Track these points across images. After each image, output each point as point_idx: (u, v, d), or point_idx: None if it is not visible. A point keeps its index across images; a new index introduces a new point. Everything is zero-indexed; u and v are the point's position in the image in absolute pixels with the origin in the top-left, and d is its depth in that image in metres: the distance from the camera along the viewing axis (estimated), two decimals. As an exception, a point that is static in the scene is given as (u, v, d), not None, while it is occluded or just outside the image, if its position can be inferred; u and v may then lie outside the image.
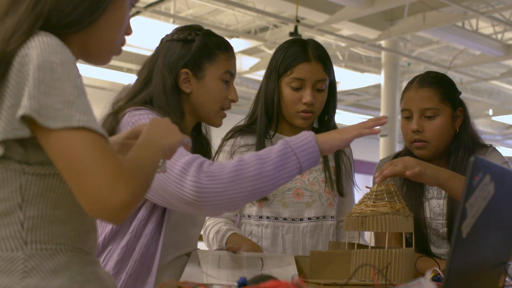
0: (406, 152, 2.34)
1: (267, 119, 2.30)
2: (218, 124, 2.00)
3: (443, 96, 2.24)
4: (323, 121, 2.39)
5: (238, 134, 2.33)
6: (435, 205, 2.26)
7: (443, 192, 2.23)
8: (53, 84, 1.13)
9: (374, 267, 1.56)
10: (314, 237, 2.29)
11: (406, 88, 2.31)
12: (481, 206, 1.11)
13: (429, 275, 0.98)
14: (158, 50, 1.97)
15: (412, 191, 2.27)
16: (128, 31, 1.40)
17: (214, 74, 1.92)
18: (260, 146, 2.26)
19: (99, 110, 1.93)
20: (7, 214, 1.18)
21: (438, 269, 1.57)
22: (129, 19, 1.40)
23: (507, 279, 1.37)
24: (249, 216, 2.29)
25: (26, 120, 1.13)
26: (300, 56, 2.25)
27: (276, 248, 2.26)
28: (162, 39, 1.99)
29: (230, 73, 1.95)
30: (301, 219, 2.28)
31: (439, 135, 2.23)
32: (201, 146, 2.07)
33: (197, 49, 1.92)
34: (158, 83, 1.90)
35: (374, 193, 1.78)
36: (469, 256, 1.14)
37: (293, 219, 2.28)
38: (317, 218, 2.30)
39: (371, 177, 2.32)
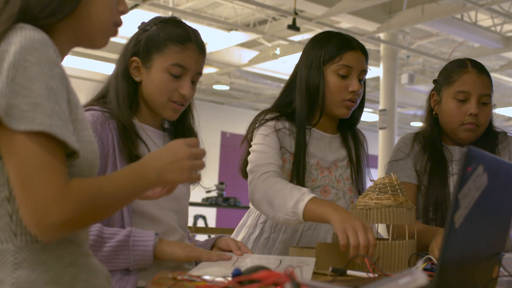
0: (431, 129, 2.42)
1: (308, 111, 2.24)
2: (169, 117, 1.97)
3: (491, 88, 2.37)
4: (348, 119, 2.34)
5: (282, 117, 2.24)
6: None
7: None
8: (24, 84, 1.12)
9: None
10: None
11: (463, 71, 2.36)
12: (474, 197, 1.11)
13: (420, 264, 0.98)
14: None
15: (436, 167, 2.34)
16: (122, 8, 1.36)
17: (161, 65, 1.90)
18: (300, 135, 2.21)
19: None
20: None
21: (433, 258, 1.58)
22: None
23: (501, 269, 1.37)
24: None
25: None
26: (348, 44, 2.25)
27: (292, 243, 2.24)
28: None
29: (181, 66, 1.90)
30: None
31: (488, 121, 2.37)
32: (183, 136, 2.02)
33: (148, 38, 1.92)
34: (115, 69, 1.94)
35: (378, 186, 1.80)
36: (462, 247, 1.14)
37: None
38: None
39: (371, 170, 2.34)
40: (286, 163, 2.22)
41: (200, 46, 1.94)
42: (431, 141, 2.40)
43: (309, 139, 2.26)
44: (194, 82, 1.96)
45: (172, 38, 1.90)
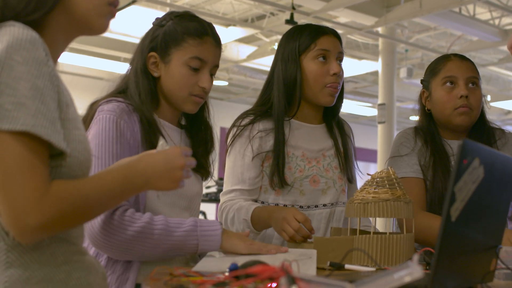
0: (428, 126, 2.45)
1: (285, 102, 2.28)
2: (189, 110, 1.97)
3: (478, 73, 2.44)
4: (330, 108, 2.39)
5: (256, 118, 2.29)
6: None
7: None
8: (9, 83, 1.10)
9: (364, 252, 1.56)
10: (328, 224, 2.29)
11: (445, 60, 2.45)
12: (471, 190, 1.11)
13: (416, 258, 0.98)
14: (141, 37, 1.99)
15: (439, 161, 2.36)
16: None
17: (180, 59, 1.90)
18: (279, 130, 2.25)
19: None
20: None
21: (431, 249, 1.58)
22: None
23: (498, 262, 1.37)
24: (263, 202, 2.27)
25: None
26: (321, 30, 2.31)
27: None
28: None
29: (199, 59, 1.90)
30: (316, 206, 2.29)
31: (480, 104, 2.41)
32: (200, 133, 2.06)
33: (165, 33, 1.92)
34: (133, 67, 1.93)
35: (375, 180, 1.80)
36: (459, 240, 1.14)
37: (308, 206, 2.27)
38: (331, 204, 2.30)
39: (370, 164, 2.36)
40: (270, 161, 2.26)
41: (216, 39, 1.96)
42: (431, 136, 2.42)
43: (290, 131, 2.30)
44: (212, 74, 1.97)
45: (189, 32, 1.91)
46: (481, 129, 2.45)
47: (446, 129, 2.45)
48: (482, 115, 2.47)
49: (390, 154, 2.49)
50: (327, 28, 2.34)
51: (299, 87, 2.26)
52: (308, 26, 2.35)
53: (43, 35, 1.23)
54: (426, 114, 2.48)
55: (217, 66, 1.98)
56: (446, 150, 2.40)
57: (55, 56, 1.30)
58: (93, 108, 1.85)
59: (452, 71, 2.40)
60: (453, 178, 1.05)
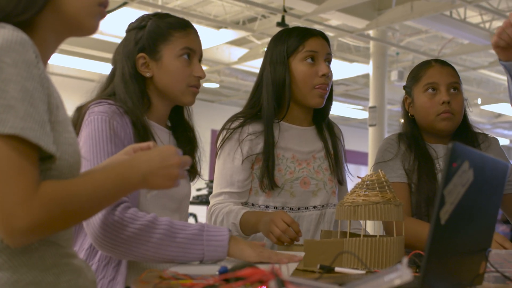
0: (411, 131, 2.48)
1: (275, 104, 2.29)
2: (189, 102, 1.99)
3: (459, 78, 2.47)
4: (320, 109, 2.40)
5: (246, 121, 2.30)
6: None
7: None
8: None
9: (353, 255, 1.57)
10: (318, 226, 2.30)
11: (426, 66, 2.48)
12: (460, 193, 1.11)
13: (406, 261, 0.98)
14: (120, 42, 1.99)
15: (424, 164, 2.39)
16: None
17: (171, 53, 1.92)
18: (268, 134, 2.26)
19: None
20: None
21: (421, 252, 1.58)
22: None
23: (488, 265, 1.37)
24: (253, 204, 2.28)
25: None
26: (308, 32, 2.33)
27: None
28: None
29: (189, 49, 1.94)
30: (306, 208, 2.29)
31: (462, 109, 2.44)
32: (184, 133, 2.07)
33: (150, 32, 1.94)
34: (118, 73, 1.92)
35: (366, 183, 1.80)
36: (448, 243, 1.14)
37: (298, 208, 2.28)
38: (322, 206, 2.31)
39: (361, 167, 2.37)
40: (260, 163, 2.27)
41: (196, 30, 2.00)
42: (414, 140, 2.46)
43: (280, 133, 2.31)
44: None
45: (173, 26, 1.94)
46: (464, 133, 2.49)
47: (430, 134, 2.48)
48: (465, 119, 2.50)
49: (375, 160, 2.51)
50: (315, 30, 2.36)
51: (288, 89, 2.27)
52: (296, 29, 2.37)
53: (33, 36, 1.22)
54: (409, 120, 2.51)
55: (201, 55, 2.01)
56: (430, 154, 2.43)
57: (45, 57, 1.29)
58: (81, 111, 1.84)
59: (433, 78, 2.43)
60: (443, 181, 1.05)
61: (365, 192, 1.77)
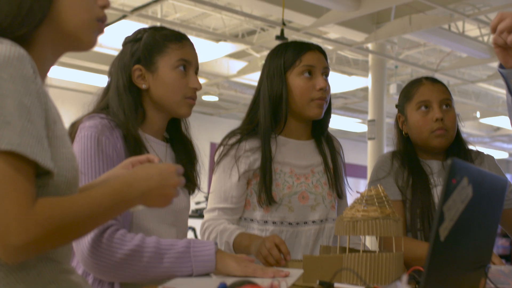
0: (405, 149, 2.50)
1: (272, 119, 2.29)
2: (185, 114, 1.99)
3: (450, 94, 2.50)
4: (319, 122, 2.39)
5: (243, 137, 2.30)
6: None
7: None
8: None
9: (352, 271, 1.56)
10: (317, 241, 2.28)
11: (417, 85, 2.50)
12: (459, 209, 1.10)
13: (405, 278, 0.98)
14: (116, 56, 1.99)
15: (418, 180, 2.41)
16: (101, 2, 1.32)
17: (167, 64, 1.93)
18: (265, 148, 2.25)
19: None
20: None
21: (421, 268, 1.57)
22: None
23: (487, 281, 1.36)
24: (251, 219, 2.27)
25: None
26: (305, 47, 2.33)
27: None
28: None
29: (185, 60, 1.94)
30: (305, 223, 2.28)
31: (455, 124, 2.46)
32: (183, 146, 2.06)
33: (145, 44, 1.94)
34: (113, 85, 1.93)
35: (365, 198, 1.79)
36: (448, 260, 1.14)
37: (297, 223, 2.26)
38: (321, 221, 2.29)
39: (360, 180, 2.38)
40: (258, 179, 2.26)
41: (192, 42, 2.01)
42: (408, 157, 2.48)
43: (277, 148, 2.30)
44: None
45: (169, 38, 1.95)
46: (457, 149, 2.50)
47: (424, 151, 2.50)
48: (458, 135, 2.52)
49: (369, 179, 2.53)
50: (311, 44, 2.36)
51: (285, 103, 2.27)
52: (292, 43, 2.37)
53: (31, 50, 1.21)
54: (403, 138, 2.53)
55: (198, 68, 2.01)
56: (424, 169, 2.44)
57: (43, 72, 1.29)
58: (75, 126, 1.85)
59: (425, 95, 2.45)
60: (442, 197, 1.05)
61: (364, 207, 1.76)
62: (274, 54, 2.35)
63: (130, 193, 1.24)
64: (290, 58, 2.30)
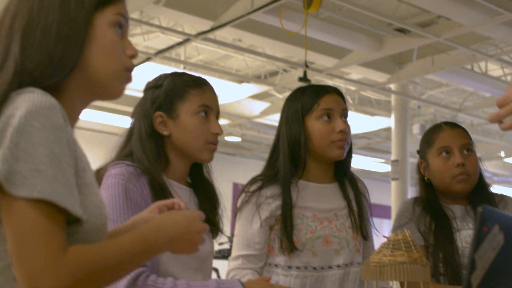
0: (427, 195, 2.49)
1: (291, 165, 2.28)
2: (207, 160, 1.99)
3: (471, 138, 2.49)
4: (341, 163, 2.38)
5: (264, 184, 2.29)
6: (466, 235, 2.39)
7: (470, 224, 2.42)
8: (27, 149, 1.09)
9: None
10: (342, 286, 2.25)
11: (437, 130, 2.51)
12: (490, 257, 1.09)
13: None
14: (138, 102, 2.01)
15: (441, 225, 2.40)
16: (129, 52, 1.33)
17: (188, 110, 1.93)
18: (285, 195, 2.24)
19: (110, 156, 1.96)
20: (3, 269, 1.14)
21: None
22: (127, 41, 1.34)
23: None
24: (276, 265, 2.25)
25: None
26: (322, 90, 2.31)
27: None
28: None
29: (206, 106, 1.95)
30: (330, 267, 2.25)
31: (477, 169, 2.45)
32: (205, 190, 2.06)
33: (166, 90, 1.95)
34: (135, 132, 1.94)
35: (392, 242, 1.78)
36: (480, 308, 1.12)
37: (322, 268, 2.24)
38: (346, 265, 2.26)
39: (384, 220, 2.37)
40: (280, 225, 2.25)
41: (212, 87, 2.01)
42: (430, 202, 2.47)
43: (298, 193, 2.28)
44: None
45: (190, 84, 1.96)
46: (480, 193, 2.48)
47: (447, 196, 2.49)
48: (481, 179, 2.51)
49: (392, 226, 2.53)
50: (329, 86, 2.35)
51: (304, 148, 2.26)
52: (309, 87, 2.36)
53: (60, 99, 1.23)
54: (425, 183, 2.53)
55: (219, 112, 2.02)
56: (447, 214, 2.43)
57: (73, 119, 1.31)
58: (100, 173, 1.86)
59: (445, 141, 2.46)
60: (473, 245, 1.04)
61: (391, 252, 1.75)
62: (292, 99, 2.35)
63: (158, 239, 1.24)
64: (308, 102, 2.29)
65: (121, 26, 1.32)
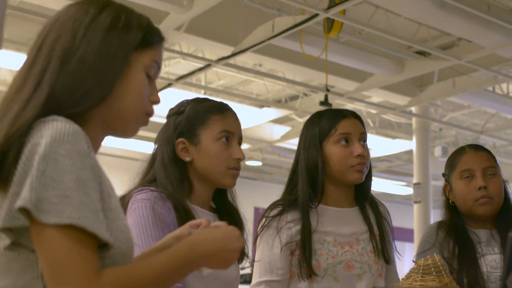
0: (452, 218, 2.49)
1: (310, 190, 2.27)
2: (229, 185, 1.99)
3: (495, 161, 2.49)
4: (360, 187, 2.37)
5: (284, 209, 2.28)
6: (491, 260, 2.37)
7: (495, 248, 2.41)
8: (54, 176, 1.10)
9: None
10: None
11: (460, 153, 2.52)
12: (522, 282, 1.07)
13: None
14: (160, 129, 2.02)
15: (464, 250, 2.38)
16: (154, 99, 1.36)
17: (210, 136, 1.94)
18: (304, 221, 2.23)
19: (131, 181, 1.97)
20: None
21: None
22: (154, 88, 1.36)
23: None
24: None
25: (25, 210, 1.10)
26: (339, 114, 2.31)
27: None
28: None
29: (228, 131, 1.95)
30: None
31: (501, 191, 2.44)
32: (230, 215, 2.06)
33: (188, 116, 1.96)
34: (158, 158, 1.95)
35: (422, 267, 1.77)
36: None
37: None
38: None
39: (405, 244, 2.35)
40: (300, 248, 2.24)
41: (235, 112, 2.02)
42: (454, 227, 2.46)
43: (318, 218, 2.26)
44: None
45: (211, 110, 1.96)
46: (506, 217, 2.46)
47: (471, 220, 2.48)
48: (507, 201, 2.49)
49: (416, 252, 2.53)
50: (346, 111, 2.35)
51: (321, 172, 2.25)
52: (327, 111, 2.36)
53: (83, 128, 1.24)
54: (450, 207, 2.53)
55: (241, 137, 2.02)
56: (471, 238, 2.42)
57: (95, 148, 1.32)
58: (124, 200, 1.87)
59: (468, 164, 2.46)
60: (505, 271, 1.02)
61: (421, 276, 1.73)
62: (310, 124, 2.35)
63: (194, 256, 1.24)
64: (326, 127, 2.28)
65: (152, 72, 1.35)
